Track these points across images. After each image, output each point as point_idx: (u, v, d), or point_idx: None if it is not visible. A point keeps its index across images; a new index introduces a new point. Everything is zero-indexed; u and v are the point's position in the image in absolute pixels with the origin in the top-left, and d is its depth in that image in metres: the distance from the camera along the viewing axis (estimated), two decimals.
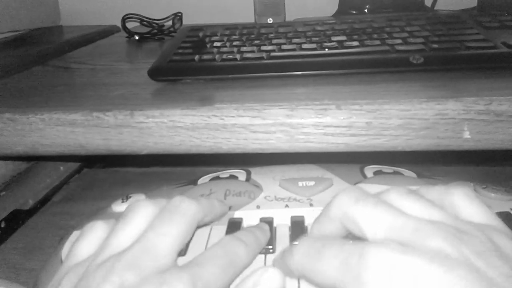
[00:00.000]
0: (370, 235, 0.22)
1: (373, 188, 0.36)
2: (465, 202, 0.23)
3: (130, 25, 0.65)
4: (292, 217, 0.33)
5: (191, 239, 0.27)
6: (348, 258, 0.21)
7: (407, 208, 0.22)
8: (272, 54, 0.39)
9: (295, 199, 0.36)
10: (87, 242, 0.26)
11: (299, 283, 0.26)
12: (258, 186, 0.38)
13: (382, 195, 0.24)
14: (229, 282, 0.25)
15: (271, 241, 0.30)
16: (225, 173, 0.41)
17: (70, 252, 0.26)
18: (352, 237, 0.24)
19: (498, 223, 0.23)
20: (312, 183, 0.37)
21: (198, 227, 0.28)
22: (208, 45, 0.44)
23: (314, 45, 0.41)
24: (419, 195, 0.23)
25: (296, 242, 0.24)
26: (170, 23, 0.64)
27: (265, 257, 0.29)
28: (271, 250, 0.30)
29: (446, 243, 0.20)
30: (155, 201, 0.27)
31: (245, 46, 0.42)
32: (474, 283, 0.18)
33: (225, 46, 0.43)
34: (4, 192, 0.45)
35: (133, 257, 0.23)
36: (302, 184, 0.37)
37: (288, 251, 0.25)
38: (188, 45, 0.44)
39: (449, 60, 0.37)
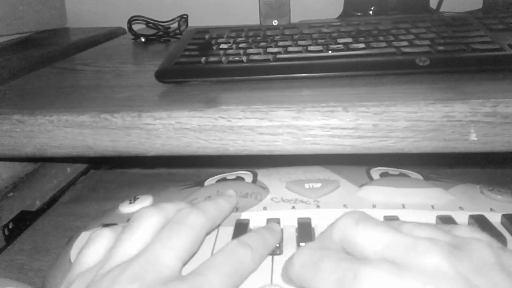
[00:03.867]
0: (370, 254, 0.22)
1: (379, 190, 0.36)
2: (466, 227, 0.24)
3: (136, 27, 0.65)
4: (298, 219, 0.33)
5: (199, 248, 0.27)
6: (344, 277, 0.21)
7: (407, 230, 0.23)
8: (278, 56, 0.40)
9: (301, 201, 0.36)
10: (94, 250, 0.27)
11: None
12: (264, 188, 0.38)
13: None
14: None
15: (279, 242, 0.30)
16: (231, 175, 0.41)
17: (76, 259, 0.27)
18: None
19: (498, 244, 0.23)
20: (318, 185, 0.37)
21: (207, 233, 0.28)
22: (214, 47, 0.44)
23: (320, 47, 0.41)
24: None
25: (302, 243, 0.24)
26: (176, 25, 0.64)
27: (273, 258, 0.29)
28: (278, 252, 0.30)
29: (442, 260, 0.20)
30: (162, 209, 0.27)
31: (251, 48, 0.42)
32: None
33: (231, 48, 0.43)
34: (11, 193, 0.45)
35: (138, 269, 0.23)
36: (309, 186, 0.37)
37: (289, 259, 0.25)
38: (194, 47, 0.44)
39: (455, 62, 0.37)
